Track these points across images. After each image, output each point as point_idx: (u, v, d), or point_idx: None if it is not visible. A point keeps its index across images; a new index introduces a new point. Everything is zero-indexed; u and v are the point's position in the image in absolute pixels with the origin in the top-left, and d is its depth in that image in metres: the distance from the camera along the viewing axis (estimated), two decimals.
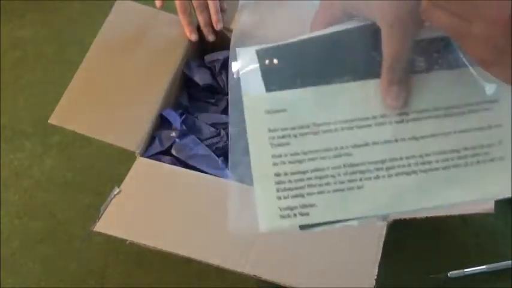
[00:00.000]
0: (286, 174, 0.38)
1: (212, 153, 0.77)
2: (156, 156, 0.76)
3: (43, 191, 0.92)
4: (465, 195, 0.37)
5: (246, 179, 0.42)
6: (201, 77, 0.84)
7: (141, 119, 0.77)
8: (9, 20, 1.11)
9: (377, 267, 0.64)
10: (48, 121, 0.76)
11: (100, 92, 0.78)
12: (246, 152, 0.41)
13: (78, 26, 1.10)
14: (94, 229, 0.67)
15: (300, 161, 0.37)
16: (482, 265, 0.81)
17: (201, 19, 0.84)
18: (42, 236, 0.88)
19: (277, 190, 0.38)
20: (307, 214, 0.37)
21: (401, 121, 0.37)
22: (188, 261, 0.67)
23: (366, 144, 0.37)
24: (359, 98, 0.38)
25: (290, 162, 0.38)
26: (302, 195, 0.37)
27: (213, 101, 0.85)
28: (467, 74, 0.37)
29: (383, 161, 0.37)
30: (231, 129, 0.41)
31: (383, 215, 0.39)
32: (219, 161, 0.76)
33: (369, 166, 0.37)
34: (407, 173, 0.37)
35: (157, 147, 0.76)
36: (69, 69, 0.80)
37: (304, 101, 0.38)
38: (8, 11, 1.13)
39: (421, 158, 0.37)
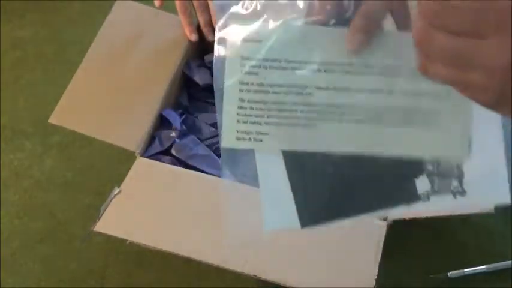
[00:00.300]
0: (249, 101, 0.41)
1: (212, 153, 0.77)
2: (156, 156, 0.76)
3: (43, 191, 0.92)
4: (405, 150, 0.40)
5: (245, 178, 0.42)
6: (201, 77, 0.84)
7: (141, 119, 0.77)
8: (9, 20, 1.11)
9: (377, 267, 0.64)
10: (48, 120, 0.76)
11: (100, 92, 0.78)
12: (245, 150, 0.42)
13: (78, 26, 1.10)
14: (94, 229, 0.67)
15: (264, 92, 0.40)
16: (482, 265, 0.81)
17: (201, 19, 0.84)
18: (42, 236, 0.88)
19: (238, 114, 0.41)
20: (260, 141, 0.41)
21: (363, 73, 0.40)
22: (188, 261, 0.67)
23: (327, 88, 0.40)
24: (331, 43, 0.40)
25: (255, 92, 0.40)
26: (259, 123, 0.41)
27: (213, 101, 0.85)
28: None
29: (338, 106, 0.40)
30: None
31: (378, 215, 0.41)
32: (219, 161, 0.76)
33: (325, 108, 0.40)
34: (357, 121, 0.40)
35: (157, 147, 0.77)
36: (69, 69, 0.80)
37: (280, 36, 0.40)
38: (8, 11, 1.12)
39: (373, 110, 0.40)
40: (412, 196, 0.41)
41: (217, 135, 0.79)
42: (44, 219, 0.89)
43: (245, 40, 0.41)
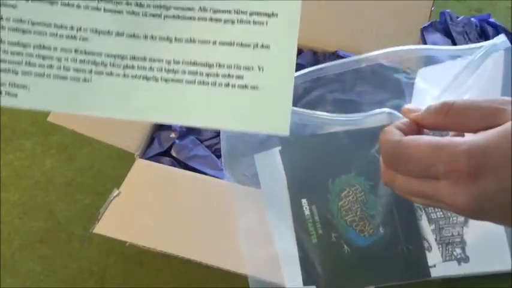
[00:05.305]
0: (5, 43, 0.31)
1: (212, 154, 0.77)
2: (155, 158, 0.76)
3: (43, 191, 0.92)
4: (214, 121, 0.31)
5: (245, 178, 0.42)
6: None
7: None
8: None
9: None
10: (47, 119, 0.75)
11: None
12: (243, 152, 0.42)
13: None
14: (93, 231, 0.67)
15: (24, 31, 0.31)
16: None
17: None
18: (42, 236, 0.88)
19: None
20: (15, 95, 0.31)
21: (159, 15, 0.31)
22: (188, 261, 0.67)
23: (109, 33, 0.31)
24: None
25: (12, 30, 0.31)
26: (15, 72, 0.31)
27: None
28: None
29: (123, 57, 0.31)
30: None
31: None
32: (219, 161, 0.76)
33: (105, 59, 0.31)
34: (147, 78, 0.31)
35: (157, 148, 0.76)
36: None
37: None
38: None
39: (167, 64, 0.31)
40: (423, 269, 0.41)
41: (216, 136, 0.80)
42: (44, 219, 0.90)
43: None
